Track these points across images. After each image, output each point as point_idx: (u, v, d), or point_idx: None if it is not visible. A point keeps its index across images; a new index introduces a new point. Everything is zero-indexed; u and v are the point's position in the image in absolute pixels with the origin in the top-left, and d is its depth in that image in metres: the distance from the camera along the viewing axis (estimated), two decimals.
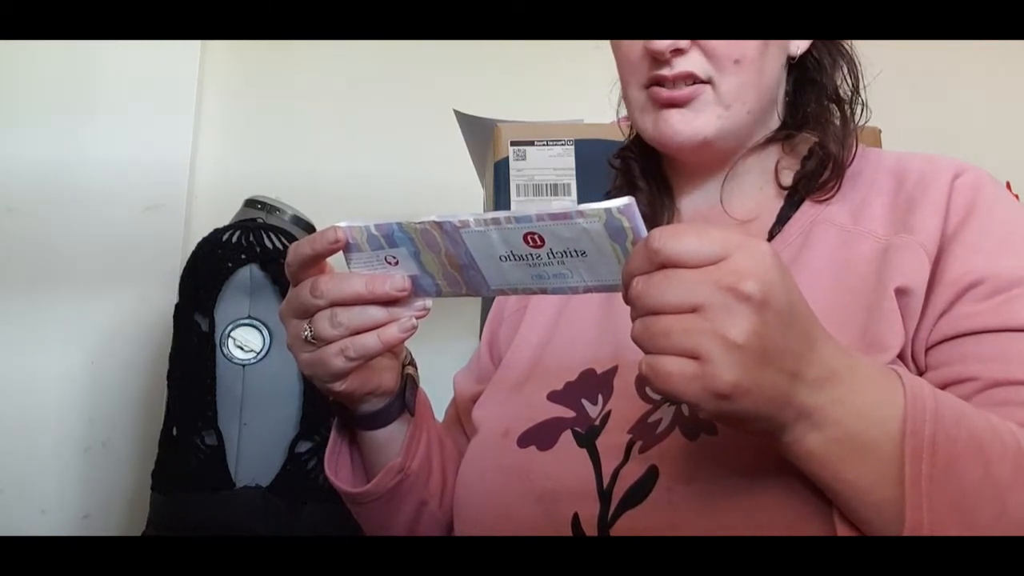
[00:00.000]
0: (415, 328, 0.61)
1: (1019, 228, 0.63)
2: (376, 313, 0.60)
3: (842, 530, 0.51)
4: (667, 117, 0.69)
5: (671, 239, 0.46)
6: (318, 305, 0.60)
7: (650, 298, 0.46)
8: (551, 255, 0.53)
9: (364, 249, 0.60)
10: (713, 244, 0.45)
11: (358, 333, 0.60)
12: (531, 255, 0.54)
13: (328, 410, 0.74)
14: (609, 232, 0.50)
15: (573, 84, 1.44)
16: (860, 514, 0.50)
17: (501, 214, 0.53)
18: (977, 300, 0.59)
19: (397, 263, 0.60)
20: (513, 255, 0.55)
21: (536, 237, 0.53)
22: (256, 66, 1.77)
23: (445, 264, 0.58)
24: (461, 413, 0.83)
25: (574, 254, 0.53)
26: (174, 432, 1.17)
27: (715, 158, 0.73)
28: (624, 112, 0.78)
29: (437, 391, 0.81)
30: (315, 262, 0.61)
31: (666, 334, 0.45)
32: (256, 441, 1.13)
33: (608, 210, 0.49)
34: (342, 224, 0.59)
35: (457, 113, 1.34)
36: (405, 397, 0.71)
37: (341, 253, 0.61)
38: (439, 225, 0.56)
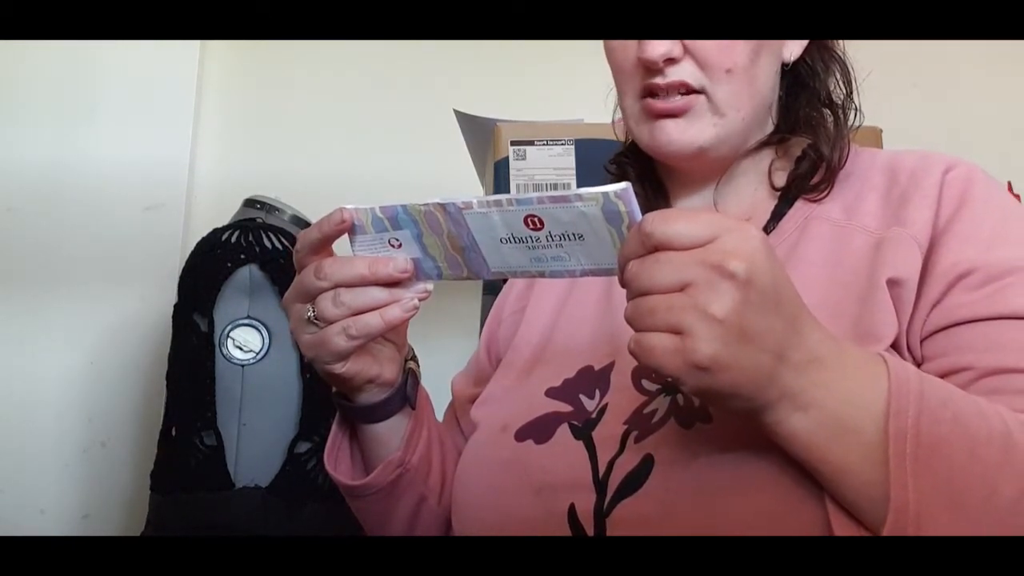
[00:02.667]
0: (417, 309, 0.63)
1: (1010, 219, 0.63)
2: (378, 294, 0.62)
3: (835, 515, 0.51)
4: (663, 126, 0.70)
5: (662, 223, 0.47)
6: (322, 287, 0.61)
7: (641, 280, 0.48)
8: (550, 238, 0.54)
9: (368, 232, 0.61)
10: (703, 227, 0.47)
11: (360, 313, 0.61)
12: (531, 237, 0.55)
13: (328, 410, 0.74)
14: (606, 216, 0.51)
15: (573, 84, 1.44)
16: (848, 497, 0.50)
17: (503, 196, 0.54)
18: (969, 289, 0.59)
19: (400, 246, 0.61)
20: (514, 237, 0.56)
21: (536, 219, 0.54)
22: (256, 66, 1.77)
23: (447, 246, 0.59)
24: (459, 413, 0.84)
25: (572, 237, 0.54)
26: (173, 432, 1.17)
27: (711, 165, 0.73)
28: (620, 115, 0.78)
29: (436, 393, 0.81)
30: (323, 245, 0.63)
31: (652, 312, 0.47)
32: (255, 441, 1.13)
33: (605, 194, 0.50)
34: (348, 206, 0.61)
35: (457, 113, 1.34)
36: (407, 390, 0.71)
37: (347, 240, 0.62)
38: (443, 207, 0.57)
